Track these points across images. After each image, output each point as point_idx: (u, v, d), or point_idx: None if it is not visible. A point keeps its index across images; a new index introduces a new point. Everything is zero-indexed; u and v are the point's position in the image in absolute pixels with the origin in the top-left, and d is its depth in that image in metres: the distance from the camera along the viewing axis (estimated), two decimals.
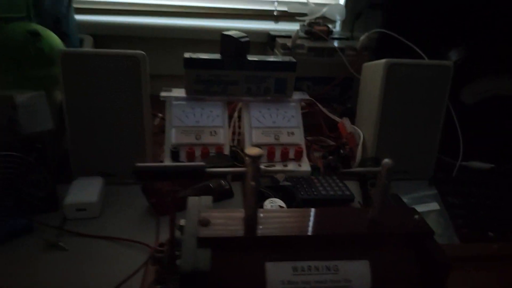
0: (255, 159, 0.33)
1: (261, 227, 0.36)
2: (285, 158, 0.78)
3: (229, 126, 0.85)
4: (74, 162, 0.72)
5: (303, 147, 0.80)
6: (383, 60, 0.75)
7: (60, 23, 0.86)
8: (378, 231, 0.38)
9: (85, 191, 0.65)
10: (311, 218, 0.39)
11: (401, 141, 0.79)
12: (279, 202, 0.63)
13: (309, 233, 0.36)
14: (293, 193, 0.67)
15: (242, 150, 0.79)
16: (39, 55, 0.70)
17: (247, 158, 0.34)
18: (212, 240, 0.35)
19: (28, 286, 0.50)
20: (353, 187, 0.73)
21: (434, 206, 0.64)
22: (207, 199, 0.42)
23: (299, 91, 0.88)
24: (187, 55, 0.79)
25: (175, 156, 0.75)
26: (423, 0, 0.91)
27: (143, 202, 0.67)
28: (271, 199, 0.63)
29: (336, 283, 0.35)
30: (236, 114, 0.90)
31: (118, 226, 0.62)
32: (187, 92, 0.81)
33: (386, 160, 0.35)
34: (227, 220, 0.37)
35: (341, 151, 0.81)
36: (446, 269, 0.36)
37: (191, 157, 0.75)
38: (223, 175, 0.73)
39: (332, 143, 0.88)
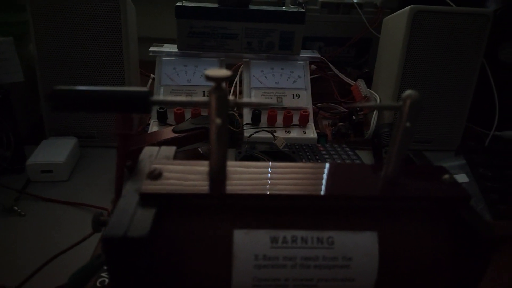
0: (220, 81, 0.23)
1: (230, 182, 0.27)
2: (288, 123, 0.68)
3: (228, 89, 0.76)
4: (47, 120, 0.64)
5: (310, 111, 0.69)
6: (408, 7, 0.63)
7: None
8: (394, 193, 0.27)
9: (53, 151, 0.57)
10: (302, 174, 0.29)
11: (424, 105, 0.67)
12: None
13: (296, 192, 0.26)
14: (293, 160, 0.57)
15: (241, 115, 0.69)
16: None
17: (212, 84, 0.24)
18: (160, 197, 0.25)
19: None
20: (365, 157, 0.63)
21: (462, 178, 0.53)
22: (169, 150, 0.32)
23: (309, 50, 0.78)
24: (179, 3, 0.69)
25: (162, 116, 0.66)
26: None
27: None
28: None
29: (331, 261, 0.26)
30: (237, 78, 0.80)
31: (87, 191, 0.53)
32: (179, 47, 0.71)
33: (409, 91, 0.25)
34: (186, 174, 0.28)
35: (354, 117, 0.70)
36: (491, 246, 0.25)
37: (179, 118, 0.65)
38: None
39: (343, 110, 0.77)
